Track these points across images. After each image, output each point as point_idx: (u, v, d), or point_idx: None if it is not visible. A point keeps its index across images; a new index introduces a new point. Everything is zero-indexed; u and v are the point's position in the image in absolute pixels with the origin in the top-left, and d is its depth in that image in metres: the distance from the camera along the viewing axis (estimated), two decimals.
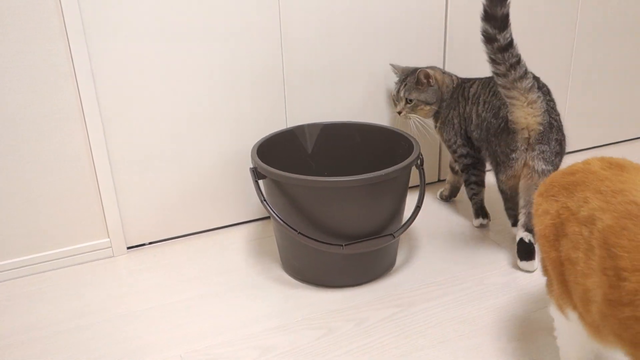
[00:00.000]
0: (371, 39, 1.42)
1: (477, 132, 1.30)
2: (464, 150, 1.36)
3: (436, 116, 1.39)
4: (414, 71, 1.36)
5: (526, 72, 1.11)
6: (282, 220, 1.13)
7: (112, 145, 1.26)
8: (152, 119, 1.28)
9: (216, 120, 1.34)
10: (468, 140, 1.35)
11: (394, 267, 1.25)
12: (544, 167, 1.17)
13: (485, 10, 1.09)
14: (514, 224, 1.26)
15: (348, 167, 1.37)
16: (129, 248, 1.36)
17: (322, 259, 1.16)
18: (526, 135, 1.16)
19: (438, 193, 1.53)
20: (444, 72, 1.39)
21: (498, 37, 1.08)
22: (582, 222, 0.75)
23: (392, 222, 1.18)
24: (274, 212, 1.14)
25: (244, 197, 1.43)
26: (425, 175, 1.22)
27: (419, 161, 1.20)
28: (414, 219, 1.19)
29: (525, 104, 1.13)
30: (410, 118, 1.38)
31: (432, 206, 1.51)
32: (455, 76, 1.39)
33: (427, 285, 1.18)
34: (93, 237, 1.31)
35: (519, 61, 1.10)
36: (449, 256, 1.29)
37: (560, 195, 0.81)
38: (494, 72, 1.13)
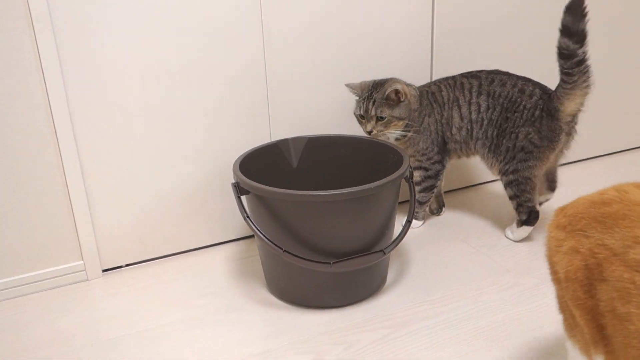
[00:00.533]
0: (351, 49, 1.38)
1: (463, 133, 1.35)
2: (438, 157, 1.38)
3: (406, 128, 1.34)
4: (377, 86, 1.31)
5: (589, 76, 1.22)
6: (266, 238, 1.07)
7: (86, 161, 1.20)
8: (129, 133, 1.22)
9: (196, 134, 1.28)
10: (442, 145, 1.37)
11: (385, 286, 1.19)
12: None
13: (565, 26, 1.17)
14: (530, 214, 1.32)
15: (335, 181, 1.32)
16: (104, 271, 1.29)
17: (309, 278, 1.10)
18: (569, 119, 1.29)
19: (427, 209, 1.48)
20: (407, 84, 1.35)
21: (578, 51, 1.18)
22: (633, 268, 0.62)
23: (382, 238, 1.12)
24: (258, 230, 1.08)
25: (226, 215, 1.37)
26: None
27: (408, 174, 1.15)
28: (405, 234, 1.13)
29: (582, 98, 1.25)
30: (384, 135, 1.33)
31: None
32: (413, 85, 1.37)
33: (419, 304, 1.12)
34: (66, 260, 1.24)
35: (588, 69, 1.21)
36: (442, 273, 1.23)
37: (593, 229, 0.69)
38: (564, 81, 1.23)
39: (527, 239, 1.34)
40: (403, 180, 1.13)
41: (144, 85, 1.20)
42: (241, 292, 1.19)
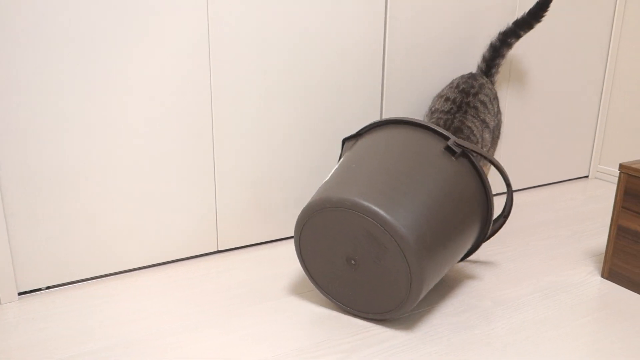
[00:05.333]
0: (308, 96, 1.34)
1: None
2: None
3: None
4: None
5: None
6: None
7: (1, 169, 1.08)
8: (47, 141, 1.11)
9: (133, 153, 1.19)
10: None
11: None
12: None
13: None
14: None
15: None
16: (20, 294, 1.15)
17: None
18: None
19: None
20: None
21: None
22: None
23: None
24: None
25: (162, 234, 1.27)
26: None
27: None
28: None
29: None
30: None
31: None
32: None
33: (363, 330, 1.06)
34: None
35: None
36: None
37: None
38: None
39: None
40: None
41: (67, 110, 1.10)
42: (172, 317, 1.09)
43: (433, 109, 1.45)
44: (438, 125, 1.37)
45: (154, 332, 1.04)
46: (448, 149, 1.08)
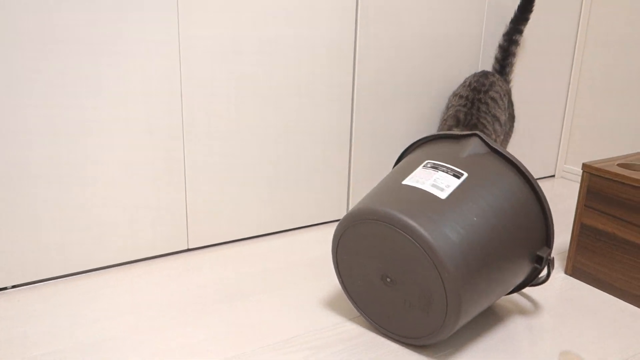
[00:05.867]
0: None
1: None
2: None
3: None
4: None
5: None
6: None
7: None
8: (9, 140, 1.09)
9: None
10: None
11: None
12: None
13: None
14: None
15: None
16: None
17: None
18: None
19: None
20: None
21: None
22: None
23: None
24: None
25: (131, 232, 1.26)
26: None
27: None
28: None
29: None
30: None
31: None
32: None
33: None
34: None
35: None
36: None
37: None
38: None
39: None
40: None
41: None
42: (140, 316, 1.09)
43: (449, 105, 1.59)
44: (457, 117, 1.50)
45: (122, 330, 1.03)
46: (538, 260, 1.03)
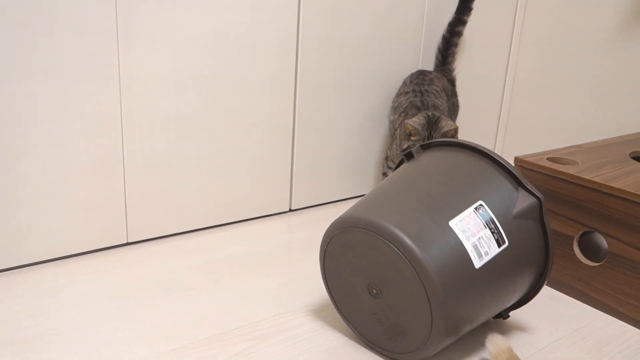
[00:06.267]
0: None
1: None
2: None
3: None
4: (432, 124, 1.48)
5: None
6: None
7: None
8: None
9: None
10: None
11: None
12: None
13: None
14: None
15: None
16: None
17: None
18: None
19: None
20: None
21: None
22: None
23: None
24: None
25: (67, 226, 1.22)
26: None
27: None
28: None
29: None
30: None
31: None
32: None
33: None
34: None
35: None
36: None
37: None
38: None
39: None
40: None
41: None
42: (74, 311, 1.06)
43: (396, 105, 1.61)
44: (415, 105, 1.53)
45: (54, 327, 1.01)
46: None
